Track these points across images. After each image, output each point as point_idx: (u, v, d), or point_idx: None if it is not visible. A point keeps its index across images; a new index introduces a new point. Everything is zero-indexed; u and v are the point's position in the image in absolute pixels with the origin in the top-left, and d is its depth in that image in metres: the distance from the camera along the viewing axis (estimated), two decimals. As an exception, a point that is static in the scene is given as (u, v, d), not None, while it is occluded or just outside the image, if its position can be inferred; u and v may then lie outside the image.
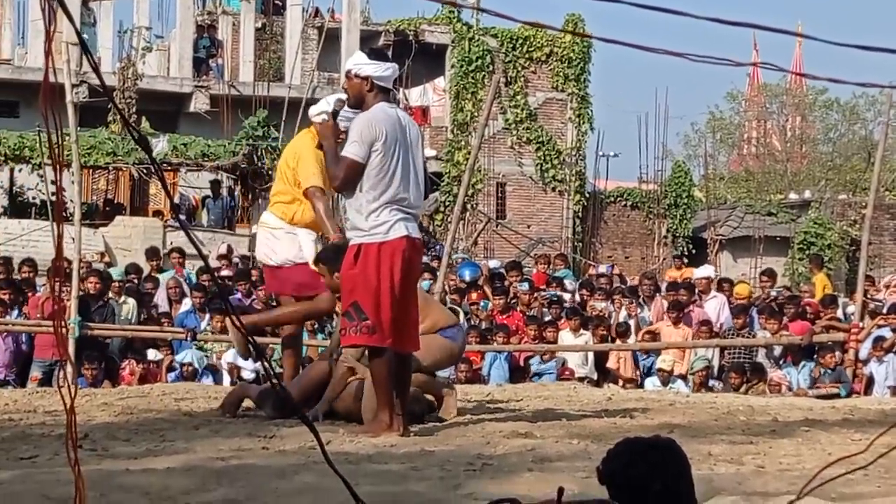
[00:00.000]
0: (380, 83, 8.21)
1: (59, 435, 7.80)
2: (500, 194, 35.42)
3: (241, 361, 16.34)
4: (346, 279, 8.05)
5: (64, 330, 3.58)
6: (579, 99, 36.12)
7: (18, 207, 28.59)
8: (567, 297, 20.31)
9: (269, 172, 28.29)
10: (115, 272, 19.81)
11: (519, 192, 35.86)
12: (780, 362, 17.02)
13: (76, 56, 27.15)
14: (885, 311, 17.09)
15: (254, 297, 18.75)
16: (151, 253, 21.76)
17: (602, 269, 25.40)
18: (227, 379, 16.09)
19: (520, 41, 35.53)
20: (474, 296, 19.45)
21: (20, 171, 28.04)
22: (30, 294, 17.62)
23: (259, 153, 28.12)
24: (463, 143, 34.30)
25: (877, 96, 47.32)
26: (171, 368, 16.70)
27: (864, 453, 4.41)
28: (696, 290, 19.16)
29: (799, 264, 33.70)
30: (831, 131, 52.28)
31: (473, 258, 27.96)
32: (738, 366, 16.84)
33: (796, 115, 51.95)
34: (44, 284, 18.23)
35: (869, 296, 18.36)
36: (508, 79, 35.12)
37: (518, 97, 35.49)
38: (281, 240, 9.88)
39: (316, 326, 17.47)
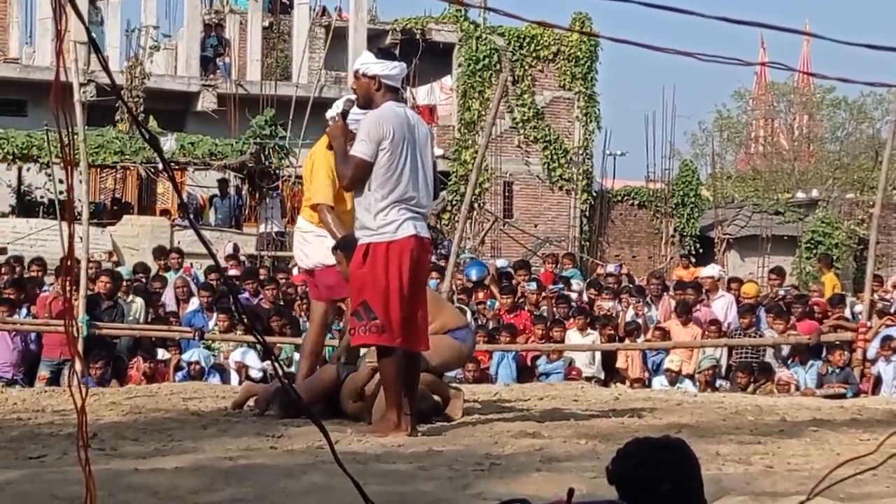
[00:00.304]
0: (388, 82, 8.20)
1: (68, 434, 7.81)
2: (507, 193, 35.43)
3: (248, 360, 16.33)
4: (355, 278, 8.05)
5: (73, 329, 3.58)
6: (586, 98, 36.13)
7: (26, 206, 28.61)
8: (574, 296, 20.30)
9: (277, 171, 28.33)
10: (124, 271, 19.84)
11: (526, 191, 35.88)
12: (788, 362, 17.00)
13: (84, 55, 27.18)
14: (893, 310, 17.06)
15: (261, 296, 18.76)
16: (159, 252, 21.79)
17: (610, 268, 25.40)
18: (234, 378, 16.09)
19: (527, 40, 35.55)
20: (481, 295, 19.43)
21: (28, 170, 28.03)
22: (37, 293, 17.62)
23: (266, 152, 28.12)
24: (470, 141, 34.31)
25: (885, 95, 47.44)
26: (178, 367, 16.70)
27: (873, 454, 4.41)
28: (703, 290, 19.13)
29: (806, 263, 33.67)
30: (839, 130, 52.27)
31: (480, 257, 27.96)
32: (745, 365, 16.81)
33: (804, 114, 51.91)
34: (51, 284, 18.23)
35: (877, 295, 18.33)
36: (516, 77, 35.14)
37: (525, 96, 35.51)
38: (312, 243, 9.89)
39: (324, 325, 17.45)
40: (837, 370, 16.14)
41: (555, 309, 19.06)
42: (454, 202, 32.68)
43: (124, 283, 18.16)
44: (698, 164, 44.19)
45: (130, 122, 27.50)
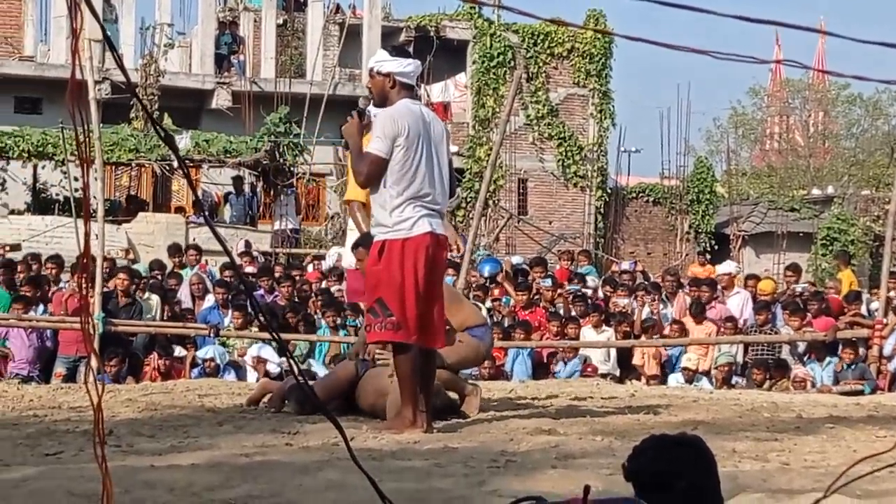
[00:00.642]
0: (402, 80, 8.20)
1: (84, 431, 7.83)
2: (521, 190, 35.43)
3: (264, 354, 16.33)
4: (371, 275, 8.05)
5: (89, 326, 3.58)
6: (601, 95, 36.11)
7: (42, 204, 28.65)
8: (589, 293, 20.29)
9: (291, 169, 28.34)
10: (141, 269, 19.88)
11: (540, 188, 35.87)
12: (805, 359, 16.96)
13: (99, 53, 27.22)
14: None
15: (276, 293, 18.77)
16: (174, 249, 21.82)
17: (625, 265, 25.36)
18: (251, 374, 16.09)
19: (541, 37, 35.55)
20: (496, 292, 19.43)
21: (43, 167, 28.08)
22: (53, 291, 17.64)
23: (281, 149, 28.13)
24: (484, 139, 34.32)
25: (900, 92, 47.25)
26: (193, 364, 16.72)
27: (890, 451, 4.39)
28: (719, 287, 19.10)
29: (822, 260, 33.61)
30: (854, 126, 52.18)
31: (495, 254, 27.96)
32: (761, 362, 16.78)
33: (819, 111, 51.83)
34: (67, 281, 18.26)
35: (894, 292, 18.26)
36: (530, 75, 35.14)
37: (539, 93, 35.50)
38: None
39: (338, 322, 17.49)
40: (854, 367, 16.10)
41: (570, 306, 19.04)
42: (469, 199, 32.65)
43: (141, 281, 18.21)
44: (713, 161, 44.21)
45: (145, 120, 27.53)
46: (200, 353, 16.71)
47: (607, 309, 18.97)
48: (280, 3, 34.57)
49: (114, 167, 29.17)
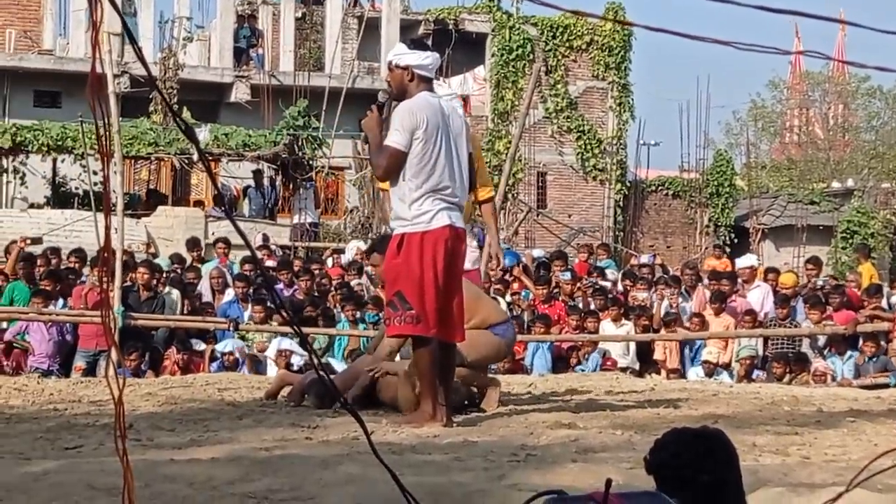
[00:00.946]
0: (421, 72, 8.19)
1: (104, 425, 7.84)
2: (540, 184, 35.38)
3: (285, 345, 16.34)
4: (390, 269, 8.04)
5: (110, 320, 3.57)
6: (620, 87, 36.04)
7: (61, 198, 28.72)
8: (609, 286, 20.27)
9: (310, 162, 28.34)
10: (163, 263, 19.91)
11: (560, 181, 35.82)
12: (825, 352, 16.92)
13: (118, 46, 27.26)
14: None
15: (295, 287, 18.79)
16: (192, 243, 21.85)
17: (644, 258, 25.32)
18: (271, 368, 16.10)
19: (560, 29, 35.48)
20: (515, 286, 19.43)
21: (63, 161, 28.13)
22: (76, 284, 17.67)
23: (300, 143, 28.14)
24: (503, 132, 34.27)
25: (921, 84, 47.11)
26: (213, 358, 16.74)
27: (913, 445, 4.37)
28: (739, 280, 19.08)
29: (842, 253, 33.53)
30: (874, 119, 52.05)
31: (514, 248, 27.94)
32: (781, 356, 16.76)
33: (839, 103, 51.71)
34: (87, 275, 18.30)
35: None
36: (549, 67, 35.09)
37: (558, 86, 35.45)
38: None
39: (357, 316, 17.50)
40: (875, 360, 16.06)
41: (590, 299, 19.03)
42: (488, 192, 32.54)
43: (162, 275, 18.25)
44: (733, 154, 44.08)
45: (164, 113, 27.57)
46: (220, 347, 16.73)
47: (626, 302, 18.96)
48: (299, -3, 34.61)
49: (133, 161, 29.22)
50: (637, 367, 17.70)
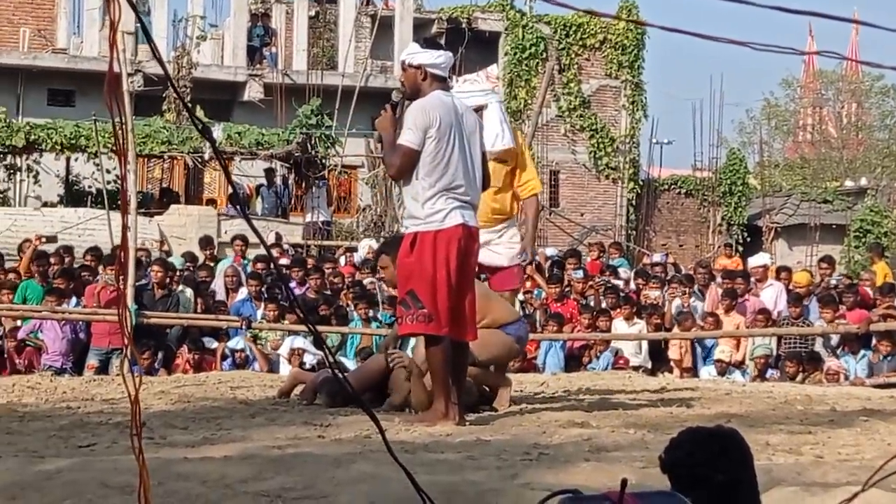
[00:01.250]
0: (433, 71, 8.19)
1: (117, 423, 7.85)
2: (553, 182, 35.37)
3: (299, 343, 16.36)
4: (402, 267, 8.04)
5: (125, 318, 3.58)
6: (633, 86, 36.04)
7: (75, 196, 28.78)
8: (621, 285, 20.26)
9: (323, 161, 28.36)
10: (177, 261, 19.94)
11: (572, 179, 35.82)
12: (838, 351, 16.90)
13: (131, 45, 27.31)
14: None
15: (307, 285, 18.80)
16: (205, 242, 21.88)
17: (656, 257, 25.31)
18: (284, 367, 16.10)
19: (573, 28, 35.48)
20: (528, 284, 19.43)
21: (76, 160, 28.19)
22: (90, 282, 17.70)
23: (313, 141, 28.17)
24: (516, 130, 34.20)
25: (935, 83, 47.04)
26: (224, 356, 16.76)
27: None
28: (752, 279, 19.06)
29: (855, 252, 33.47)
30: (888, 118, 52.00)
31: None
32: (794, 354, 16.74)
33: (852, 102, 51.68)
34: (101, 273, 18.34)
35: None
36: (562, 66, 35.09)
37: (571, 84, 35.45)
38: None
39: (370, 315, 17.51)
40: (889, 359, 16.03)
41: (602, 298, 19.03)
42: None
43: (176, 273, 18.28)
44: (746, 153, 44.12)
45: (178, 112, 27.62)
46: (231, 344, 16.76)
47: (639, 301, 18.96)
48: (312, -5, 34.63)
49: (146, 159, 29.27)
50: (649, 365, 17.69)
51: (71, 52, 32.41)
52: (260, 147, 27.95)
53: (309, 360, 16.08)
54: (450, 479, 5.35)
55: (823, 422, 8.54)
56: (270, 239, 23.66)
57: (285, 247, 23.79)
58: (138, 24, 24.35)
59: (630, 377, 13.34)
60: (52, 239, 20.73)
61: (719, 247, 34.07)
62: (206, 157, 27.37)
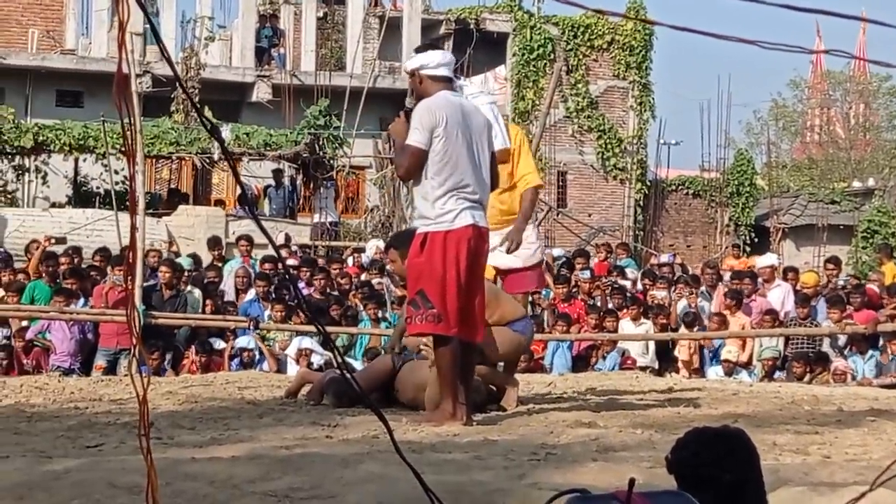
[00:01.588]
0: (431, 73, 8.22)
1: (125, 423, 7.86)
2: (561, 183, 35.38)
3: (309, 346, 16.37)
4: (412, 267, 8.04)
5: (133, 319, 3.59)
6: (641, 87, 36.03)
7: (83, 197, 28.81)
8: (628, 285, 20.27)
9: (331, 161, 28.38)
10: (185, 262, 19.96)
11: (580, 180, 35.82)
12: (846, 352, 16.89)
13: (140, 46, 27.33)
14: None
15: (313, 286, 18.80)
16: (213, 242, 21.90)
17: (663, 258, 25.30)
18: (291, 367, 16.12)
19: (581, 29, 35.47)
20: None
21: (84, 160, 28.22)
22: (99, 283, 17.72)
23: (321, 142, 28.19)
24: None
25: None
26: (231, 356, 16.77)
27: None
28: (760, 280, 19.05)
29: (863, 253, 33.45)
30: (895, 119, 51.89)
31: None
32: (801, 355, 16.73)
33: (860, 103, 51.65)
34: (109, 274, 18.35)
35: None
36: (570, 67, 35.07)
37: (579, 85, 35.44)
38: None
39: (379, 315, 17.52)
40: (896, 360, 16.03)
41: (608, 298, 19.04)
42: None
43: (185, 274, 18.30)
44: (753, 154, 44.12)
45: (186, 113, 27.65)
46: (238, 343, 16.77)
47: (646, 301, 18.96)
48: (320, -3, 34.65)
49: (154, 160, 29.31)
50: (656, 366, 17.69)
51: (79, 53, 32.44)
52: (268, 148, 27.97)
53: (317, 360, 16.09)
54: (457, 478, 5.35)
55: (831, 422, 8.53)
56: (280, 240, 23.68)
57: (293, 248, 23.80)
58: (147, 25, 24.34)
59: (637, 377, 13.35)
60: (61, 240, 20.75)
61: (727, 247, 34.07)
62: (215, 157, 27.40)
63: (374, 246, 22.70)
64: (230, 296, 18.72)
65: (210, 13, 33.91)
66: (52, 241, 19.80)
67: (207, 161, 28.03)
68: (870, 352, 16.48)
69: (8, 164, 27.66)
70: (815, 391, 11.82)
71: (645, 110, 36.12)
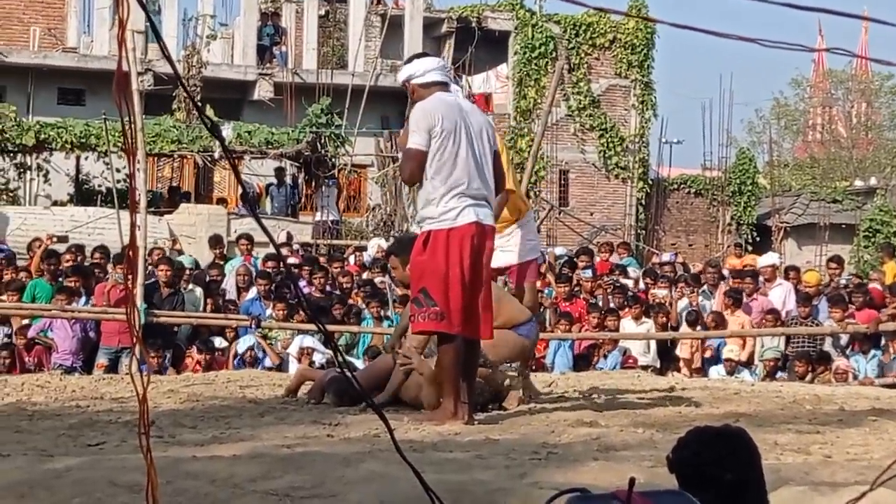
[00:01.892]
0: (422, 80, 8.26)
1: (126, 422, 7.86)
2: (562, 181, 35.37)
3: (311, 344, 16.37)
4: (415, 265, 8.04)
5: (134, 318, 3.58)
6: (643, 85, 36.01)
7: (84, 195, 28.79)
8: (630, 284, 20.26)
9: (333, 160, 28.37)
10: (187, 261, 19.95)
11: (582, 179, 35.81)
12: (847, 351, 16.89)
13: (141, 44, 27.32)
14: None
15: (313, 285, 18.79)
16: (215, 241, 21.89)
17: (665, 257, 25.30)
18: (293, 365, 16.12)
19: (583, 27, 35.46)
20: (539, 283, 19.41)
21: (86, 158, 28.20)
22: (99, 281, 17.71)
23: (322, 141, 28.19)
24: (526, 130, 34.24)
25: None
26: (235, 355, 16.78)
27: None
28: (761, 279, 19.04)
29: (864, 252, 33.43)
30: (897, 117, 51.92)
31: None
32: (803, 354, 16.72)
33: (862, 102, 51.64)
34: (111, 272, 18.35)
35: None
36: (571, 65, 35.05)
37: (581, 84, 35.43)
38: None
39: (382, 314, 17.52)
40: (897, 359, 16.04)
41: (610, 297, 19.02)
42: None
43: (186, 272, 18.29)
44: (755, 152, 44.09)
45: (188, 111, 27.63)
46: (241, 343, 16.77)
47: (647, 300, 18.95)
48: (322, -5, 34.64)
49: (156, 158, 29.30)
50: (658, 365, 17.69)
51: (81, 51, 32.41)
52: (270, 146, 27.96)
53: (318, 358, 16.08)
54: (458, 478, 5.35)
55: (832, 421, 8.53)
56: (281, 238, 23.68)
57: (295, 246, 23.79)
58: (148, 23, 24.35)
59: (639, 376, 13.35)
60: (63, 239, 20.76)
61: (729, 246, 34.06)
62: (216, 156, 27.39)
63: (375, 244, 22.69)
64: (231, 294, 18.72)
65: (212, 11, 33.91)
66: (54, 239, 19.81)
67: (209, 159, 28.03)
68: (872, 351, 16.48)
69: (10, 162, 27.65)
70: (816, 390, 11.81)
71: (647, 109, 36.11)
